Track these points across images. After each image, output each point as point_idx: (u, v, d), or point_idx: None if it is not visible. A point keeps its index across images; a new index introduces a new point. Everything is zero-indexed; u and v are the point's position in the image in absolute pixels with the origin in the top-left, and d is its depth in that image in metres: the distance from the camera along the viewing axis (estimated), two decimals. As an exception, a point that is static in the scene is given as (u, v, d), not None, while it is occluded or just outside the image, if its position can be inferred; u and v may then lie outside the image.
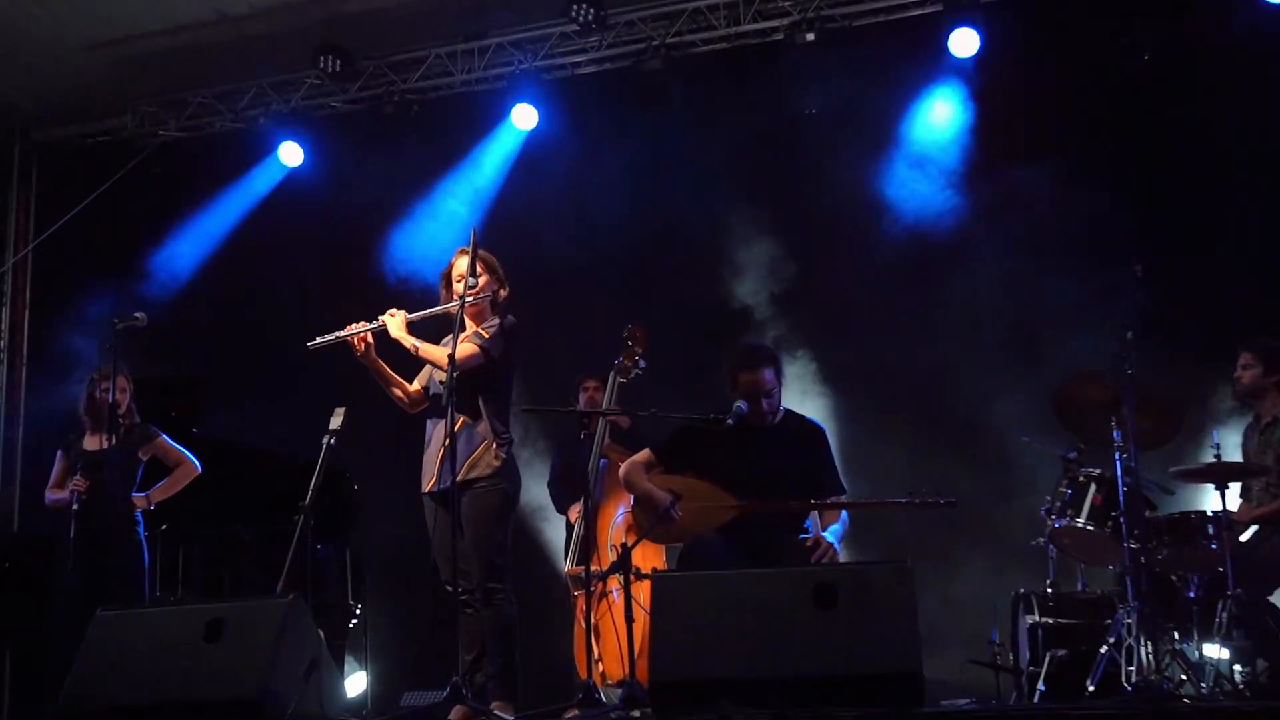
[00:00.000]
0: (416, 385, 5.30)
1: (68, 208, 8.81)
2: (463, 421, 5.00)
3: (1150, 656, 4.88)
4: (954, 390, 7.44)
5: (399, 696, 6.59)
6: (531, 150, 8.40)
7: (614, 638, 5.68)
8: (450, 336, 5.21)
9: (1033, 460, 6.52)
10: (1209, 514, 5.34)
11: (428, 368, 5.25)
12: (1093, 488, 5.61)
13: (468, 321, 5.14)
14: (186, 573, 7.06)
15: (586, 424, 5.09)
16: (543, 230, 8.16)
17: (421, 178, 8.49)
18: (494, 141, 8.47)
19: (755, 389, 5.14)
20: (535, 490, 7.58)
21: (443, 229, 8.31)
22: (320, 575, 6.99)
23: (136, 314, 5.76)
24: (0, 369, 9.03)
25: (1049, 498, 5.76)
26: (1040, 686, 5.45)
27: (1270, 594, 5.38)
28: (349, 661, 7.28)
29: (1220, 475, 5.29)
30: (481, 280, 5.09)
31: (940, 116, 7.71)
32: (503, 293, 5.24)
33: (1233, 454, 5.72)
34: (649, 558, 5.99)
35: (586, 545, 5.28)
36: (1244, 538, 5.48)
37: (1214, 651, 5.14)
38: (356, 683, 7.31)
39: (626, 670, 4.71)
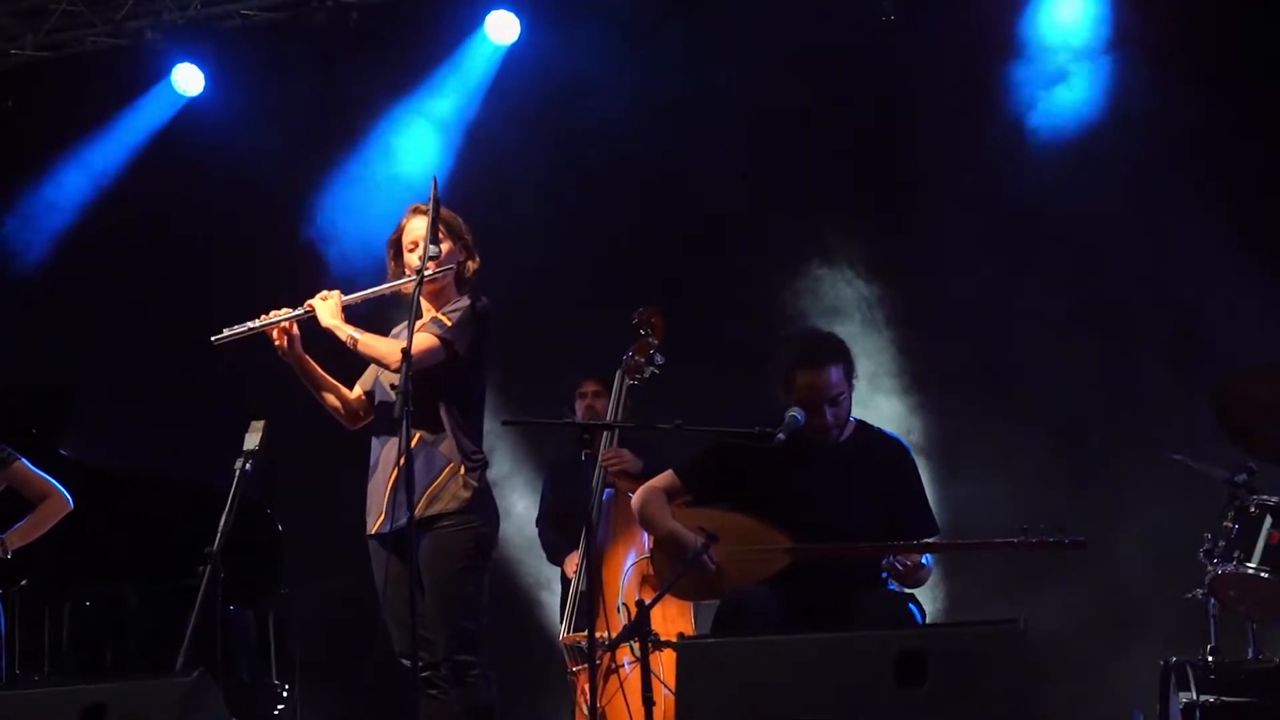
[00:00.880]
0: (358, 391, 5.31)
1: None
2: (420, 438, 5.00)
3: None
4: (1076, 391, 7.45)
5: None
6: (512, 72, 8.42)
7: (626, 727, 5.72)
8: (403, 325, 5.23)
9: (1187, 484, 6.52)
10: None
11: (372, 368, 5.26)
12: (1269, 521, 5.59)
13: (425, 305, 5.15)
14: (55, 644, 7.07)
15: (587, 440, 5.06)
16: (525, 180, 8.17)
17: (363, 111, 8.54)
18: (461, 61, 8.49)
19: (817, 393, 5.12)
20: (519, 529, 7.60)
21: (393, 181, 8.35)
22: (234, 646, 7.00)
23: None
24: None
25: (1209, 535, 5.74)
26: (1201, 788, 5.44)
27: None
28: (273, 762, 7.35)
29: None
30: (444, 248, 5.10)
31: (1069, 15, 7.77)
32: (471, 265, 5.24)
33: None
34: (672, 619, 6.00)
35: (589, 604, 5.27)
36: None
37: None
38: (283, 790, 7.37)
39: (644, 771, 4.73)
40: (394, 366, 4.90)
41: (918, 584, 5.15)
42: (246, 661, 7.17)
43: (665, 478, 5.37)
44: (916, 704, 3.91)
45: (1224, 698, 5.66)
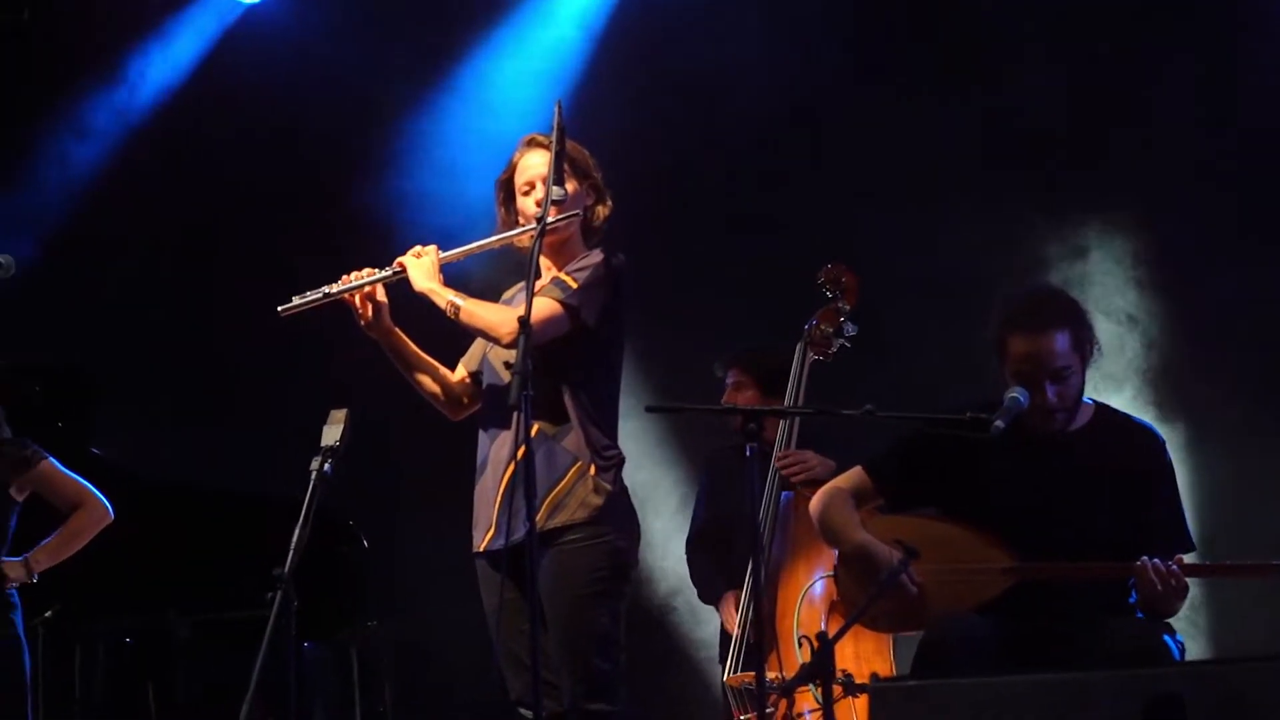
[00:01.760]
0: (461, 372, 5.38)
1: None
2: (539, 430, 5.06)
3: None
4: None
5: None
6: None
7: (807, 791, 5.74)
8: (518, 288, 5.30)
9: None
10: None
11: (479, 343, 5.33)
12: None
13: (544, 262, 5.21)
14: (88, 688, 7.24)
15: (754, 433, 5.03)
16: (669, 108, 8.24)
17: (467, 19, 8.65)
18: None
19: (1039, 366, 5.10)
20: (664, 547, 7.66)
21: (501, 111, 8.44)
22: (309, 691, 7.18)
23: (-1, 258, 5.96)
24: None
25: None
26: None
27: None
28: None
29: None
30: (569, 189, 5.10)
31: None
32: (602, 210, 5.30)
33: None
34: (865, 657, 6.00)
35: (759, 636, 5.28)
36: None
37: None
38: None
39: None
40: (507, 340, 4.96)
41: (1170, 613, 5.10)
42: (324, 711, 7.32)
43: (852, 476, 5.39)
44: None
45: None
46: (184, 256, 8.86)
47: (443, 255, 5.18)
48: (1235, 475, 7.54)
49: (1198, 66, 7.89)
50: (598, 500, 5.09)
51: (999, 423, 5.00)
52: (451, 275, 5.19)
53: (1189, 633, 6.96)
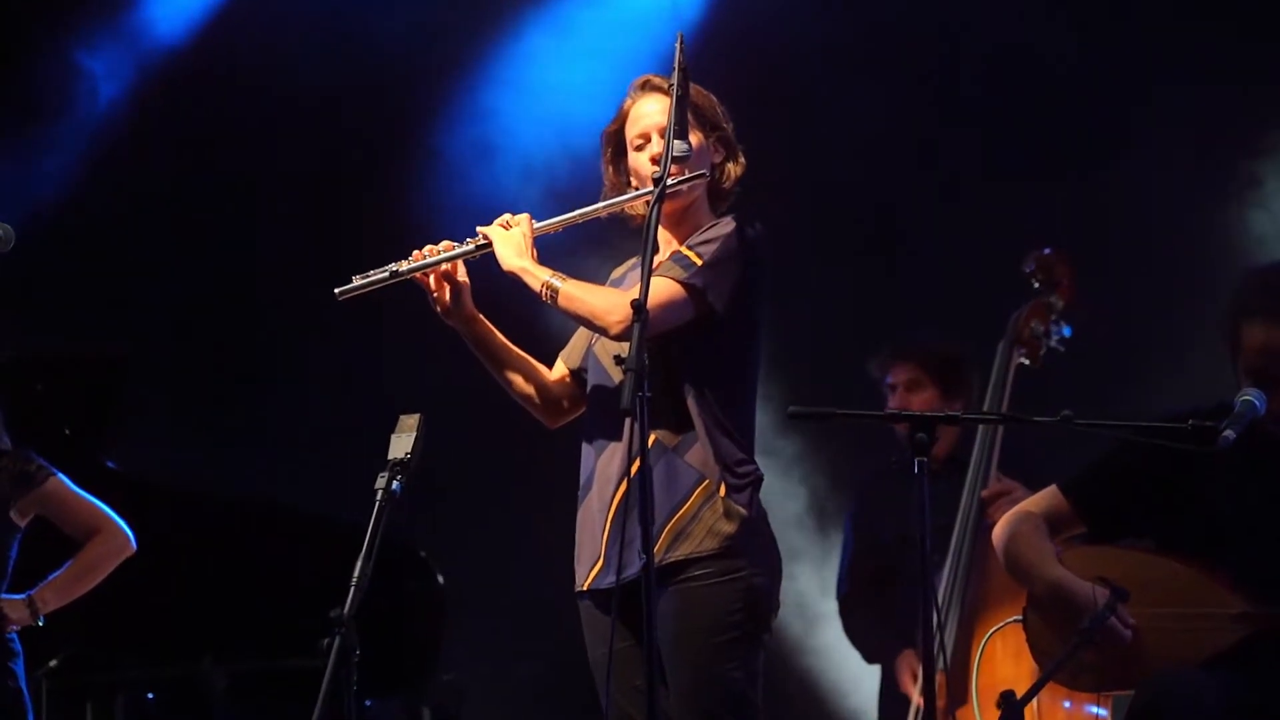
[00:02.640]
0: (561, 369, 5.37)
1: None
2: (656, 441, 5.05)
3: None
4: None
5: None
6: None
7: None
8: (630, 264, 5.27)
9: None
10: None
11: (583, 335, 5.34)
12: None
13: (663, 234, 5.19)
14: (103, 750, 7.31)
15: (923, 443, 4.91)
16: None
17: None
18: None
19: (1276, 360, 5.11)
20: (805, 581, 7.65)
21: (610, 45, 8.50)
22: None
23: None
24: None
25: None
26: None
27: None
28: None
29: None
30: (693, 143, 5.08)
31: None
32: (734, 169, 5.27)
33: None
34: (1064, 718, 6.00)
35: (929, 696, 5.23)
36: None
37: None
38: None
39: None
40: (617, 330, 4.94)
41: None
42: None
43: (1045, 498, 5.40)
44: None
45: None
46: (199, 230, 8.96)
47: (537, 226, 5.15)
48: None
49: None
50: (729, 527, 5.03)
51: (1229, 432, 4.93)
52: (544, 249, 5.15)
53: None
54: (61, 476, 6.51)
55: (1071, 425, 4.93)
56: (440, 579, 7.40)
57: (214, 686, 7.28)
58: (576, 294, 5.05)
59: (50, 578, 6.47)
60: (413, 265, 5.15)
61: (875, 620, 6.99)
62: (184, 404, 8.61)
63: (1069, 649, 5.07)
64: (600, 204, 5.22)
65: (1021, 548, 5.29)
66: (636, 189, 5.16)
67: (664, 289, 5.00)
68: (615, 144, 5.30)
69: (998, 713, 5.05)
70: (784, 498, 8.31)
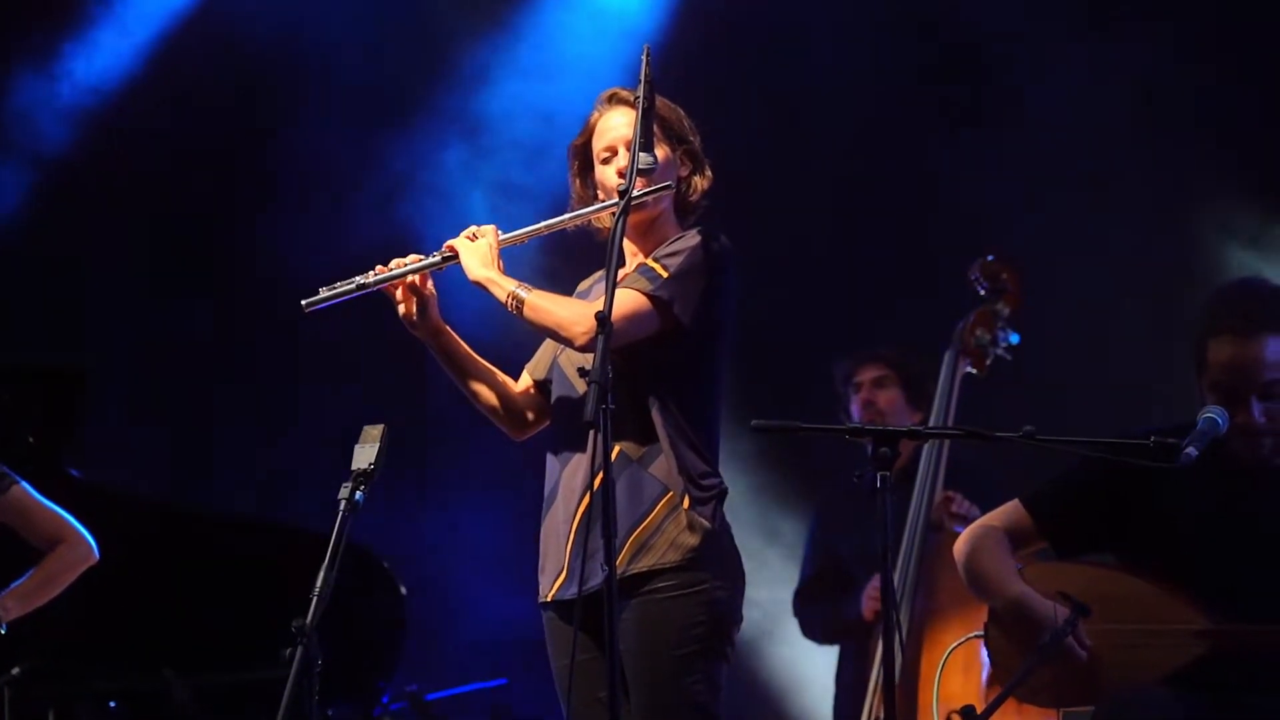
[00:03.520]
0: (526, 380, 5.37)
1: None
2: (621, 453, 5.06)
3: None
4: None
5: None
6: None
7: None
8: (595, 278, 5.27)
9: None
10: None
11: (548, 346, 5.33)
12: None
13: (629, 245, 5.20)
14: (66, 762, 7.29)
15: (886, 458, 4.94)
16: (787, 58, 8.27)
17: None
18: None
19: (1244, 378, 5.09)
20: (770, 597, 7.64)
21: (578, 66, 8.50)
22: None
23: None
24: None
25: None
26: None
27: None
28: None
29: None
30: (659, 156, 5.08)
31: None
32: (700, 182, 5.27)
33: None
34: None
35: (890, 710, 5.25)
36: None
37: None
38: None
39: None
40: (582, 341, 4.94)
41: None
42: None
43: (1007, 512, 5.37)
44: None
45: None
46: (169, 231, 8.93)
47: (503, 237, 5.16)
48: None
49: None
50: (692, 540, 5.04)
51: (1190, 449, 4.91)
52: (510, 261, 5.15)
53: None
54: (25, 485, 6.50)
55: (1034, 442, 4.92)
56: (403, 589, 7.37)
57: (175, 697, 7.25)
58: (542, 305, 5.07)
59: (13, 586, 6.45)
60: (379, 277, 5.15)
61: (830, 605, 7.01)
62: (145, 413, 8.56)
63: (1026, 665, 5.06)
64: (566, 215, 5.23)
65: (984, 562, 5.27)
66: (603, 201, 5.16)
67: (630, 301, 5.01)
68: (582, 157, 5.30)
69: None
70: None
